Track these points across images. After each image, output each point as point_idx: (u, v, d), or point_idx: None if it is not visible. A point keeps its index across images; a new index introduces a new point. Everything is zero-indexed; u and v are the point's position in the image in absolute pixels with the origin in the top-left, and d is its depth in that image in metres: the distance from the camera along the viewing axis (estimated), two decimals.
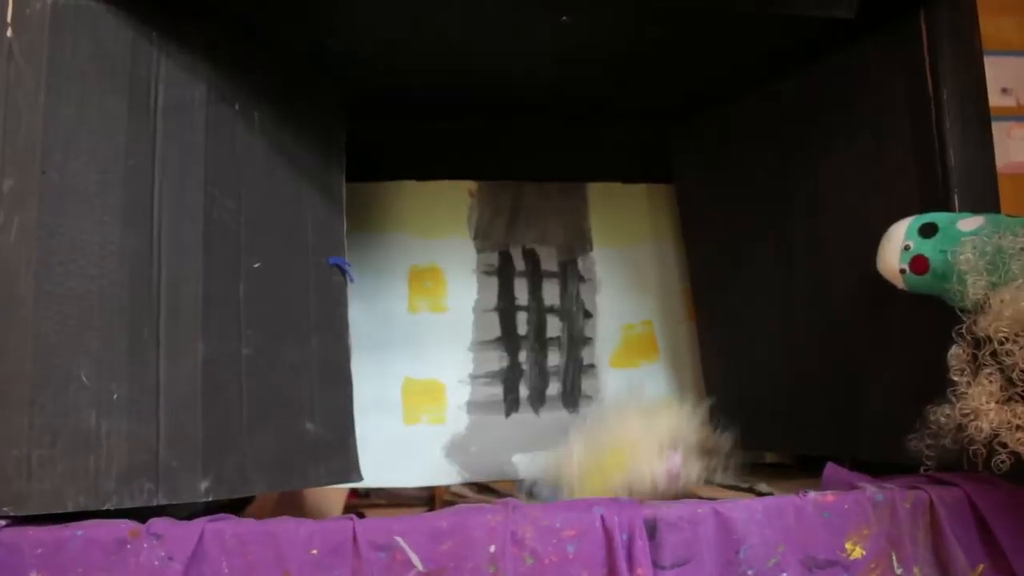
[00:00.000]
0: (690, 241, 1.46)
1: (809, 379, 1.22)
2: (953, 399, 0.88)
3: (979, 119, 1.02)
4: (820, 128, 1.19)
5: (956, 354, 0.89)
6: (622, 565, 0.81)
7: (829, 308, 1.18)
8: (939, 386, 0.98)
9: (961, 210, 0.99)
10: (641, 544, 0.82)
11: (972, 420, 0.86)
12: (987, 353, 0.86)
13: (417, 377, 1.36)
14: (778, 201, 1.27)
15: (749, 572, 0.84)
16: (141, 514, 0.82)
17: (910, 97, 1.05)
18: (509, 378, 1.38)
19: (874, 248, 1.02)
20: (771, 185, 1.28)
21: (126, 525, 0.79)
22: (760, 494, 1.15)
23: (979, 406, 0.86)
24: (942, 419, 0.90)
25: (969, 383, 0.88)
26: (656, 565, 0.82)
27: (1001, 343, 0.85)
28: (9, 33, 0.84)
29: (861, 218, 1.12)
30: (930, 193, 1.02)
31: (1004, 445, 0.84)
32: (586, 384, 1.41)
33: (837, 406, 1.16)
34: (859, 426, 1.12)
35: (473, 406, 1.35)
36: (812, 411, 1.21)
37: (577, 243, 1.44)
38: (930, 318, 1.01)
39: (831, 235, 1.18)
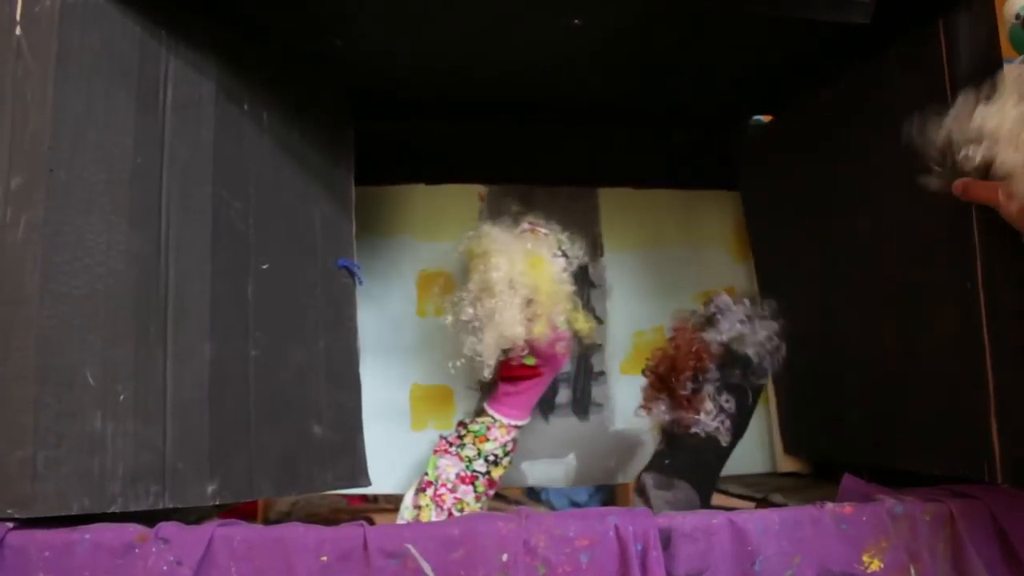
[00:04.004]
0: (757, 249, 1.47)
1: (846, 386, 1.21)
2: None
3: None
4: (852, 136, 1.19)
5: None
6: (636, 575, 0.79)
7: (862, 321, 1.17)
8: (975, 396, 0.98)
9: (980, 225, 0.97)
10: (655, 555, 0.81)
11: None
12: None
13: (425, 383, 1.35)
14: (819, 208, 1.27)
15: None
16: (147, 517, 0.80)
17: (931, 107, 1.04)
18: None
19: (909, 254, 1.03)
20: (817, 195, 1.28)
21: (134, 529, 0.77)
22: (774, 504, 1.14)
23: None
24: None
25: None
26: None
27: None
28: (18, 31, 0.82)
29: (890, 230, 1.11)
30: (944, 204, 1.00)
31: None
32: (596, 391, 1.39)
33: (876, 413, 1.15)
34: (898, 435, 1.11)
35: (481, 412, 1.33)
36: (848, 418, 1.20)
37: (588, 248, 1.43)
38: (948, 331, 1.00)
39: (864, 247, 1.17)
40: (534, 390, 1.22)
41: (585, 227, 1.44)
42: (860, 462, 1.06)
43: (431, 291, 1.38)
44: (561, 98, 1.33)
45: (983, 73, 1.00)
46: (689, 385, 1.08)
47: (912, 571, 0.85)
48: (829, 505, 0.87)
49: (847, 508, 0.86)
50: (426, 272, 1.39)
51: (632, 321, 1.43)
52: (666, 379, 1.10)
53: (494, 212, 1.40)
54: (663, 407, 1.10)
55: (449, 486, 1.17)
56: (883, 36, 1.04)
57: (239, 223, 1.00)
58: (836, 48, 1.13)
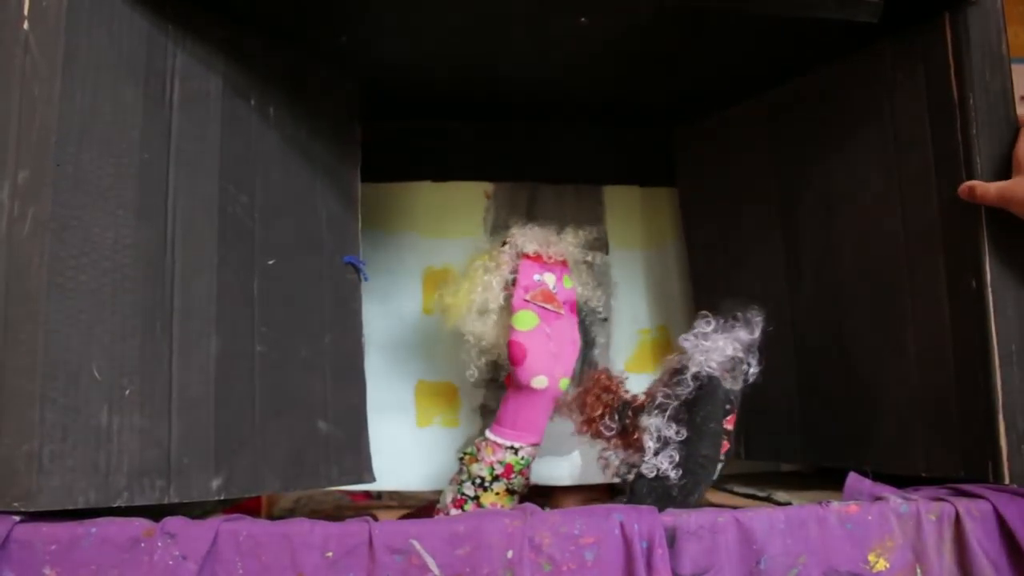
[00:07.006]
0: (691, 245, 1.44)
1: (820, 390, 1.20)
2: None
3: (1007, 127, 1.00)
4: (831, 132, 1.17)
5: None
6: (641, 573, 0.79)
7: (841, 318, 1.16)
8: (953, 397, 0.98)
9: (988, 223, 0.97)
10: (661, 552, 0.80)
11: None
12: None
13: (430, 379, 1.35)
14: (787, 206, 1.25)
15: None
16: (152, 512, 0.81)
17: (932, 103, 1.03)
18: None
19: (888, 257, 1.00)
20: (779, 190, 1.27)
21: (140, 523, 0.78)
22: (778, 503, 1.14)
23: None
24: None
25: None
26: (676, 574, 0.81)
27: None
28: (25, 25, 0.83)
29: (874, 227, 1.10)
30: (952, 202, 1.00)
31: None
32: None
33: (849, 417, 1.14)
34: (872, 438, 1.10)
35: (487, 409, 1.33)
36: (823, 422, 1.19)
37: (593, 246, 1.43)
38: (946, 329, 1.00)
39: (843, 242, 1.16)
40: (514, 403, 1.14)
41: (590, 225, 1.43)
42: (851, 468, 1.05)
43: (437, 288, 1.37)
44: (568, 96, 1.32)
45: (990, 70, 1.00)
46: (612, 424, 1.02)
47: (918, 571, 0.85)
48: (834, 504, 0.87)
49: (852, 507, 0.86)
50: (432, 269, 1.38)
51: (637, 319, 1.43)
52: (588, 421, 1.05)
53: (500, 209, 1.40)
54: (610, 454, 1.04)
55: (444, 512, 1.12)
56: (877, 31, 1.03)
57: (245, 218, 1.00)
58: (824, 42, 1.13)
